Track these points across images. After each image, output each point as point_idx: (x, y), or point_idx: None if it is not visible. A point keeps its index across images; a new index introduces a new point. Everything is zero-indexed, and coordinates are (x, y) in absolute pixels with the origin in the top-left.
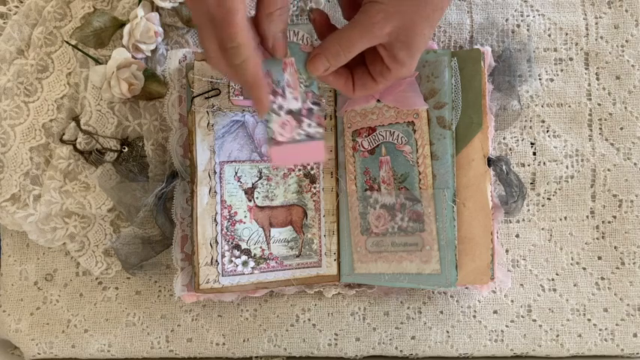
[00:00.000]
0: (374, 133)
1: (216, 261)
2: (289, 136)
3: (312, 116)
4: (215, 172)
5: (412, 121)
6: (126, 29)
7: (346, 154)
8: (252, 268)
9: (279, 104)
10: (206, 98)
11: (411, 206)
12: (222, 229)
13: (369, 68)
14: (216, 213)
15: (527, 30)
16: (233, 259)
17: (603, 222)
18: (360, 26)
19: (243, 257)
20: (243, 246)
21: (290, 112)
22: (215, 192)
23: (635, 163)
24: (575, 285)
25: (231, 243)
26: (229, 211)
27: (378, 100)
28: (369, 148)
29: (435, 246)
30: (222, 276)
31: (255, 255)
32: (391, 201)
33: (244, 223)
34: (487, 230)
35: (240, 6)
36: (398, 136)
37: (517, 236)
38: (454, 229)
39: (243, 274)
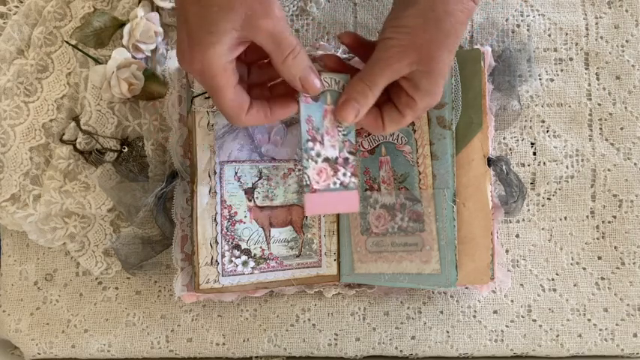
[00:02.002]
0: (374, 133)
1: (216, 261)
2: (325, 184)
3: (347, 165)
4: (215, 172)
5: (412, 121)
6: (126, 29)
7: None
8: (252, 268)
9: (317, 151)
10: (206, 98)
11: (411, 206)
12: (222, 229)
13: (395, 102)
14: (216, 213)
15: (527, 30)
16: (233, 259)
17: (603, 222)
18: (379, 62)
19: (243, 257)
20: (243, 246)
21: (327, 159)
22: (215, 192)
23: (635, 163)
24: (575, 285)
25: (231, 243)
26: (229, 211)
27: None
28: (369, 148)
29: (435, 246)
30: (222, 276)
31: (255, 255)
32: (391, 201)
33: (244, 223)
34: (487, 230)
35: (223, 81)
36: (398, 136)
37: (517, 236)
38: (454, 229)
39: (243, 274)
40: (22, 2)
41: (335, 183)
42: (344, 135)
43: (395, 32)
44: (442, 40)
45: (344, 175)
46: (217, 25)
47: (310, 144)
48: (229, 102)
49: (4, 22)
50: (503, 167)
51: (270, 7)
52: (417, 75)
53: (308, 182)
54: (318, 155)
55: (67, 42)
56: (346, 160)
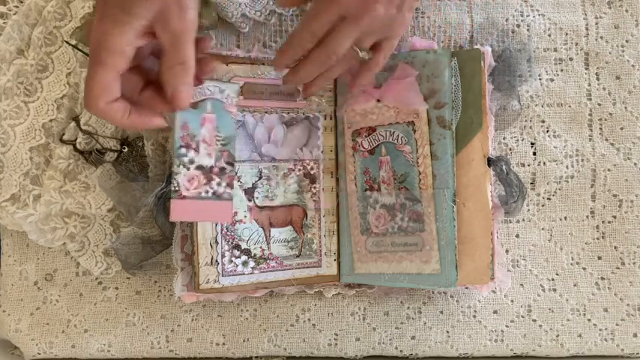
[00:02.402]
0: (374, 133)
1: (216, 261)
2: (195, 192)
3: (223, 175)
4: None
5: (412, 121)
6: None
7: (346, 154)
8: (252, 268)
9: (190, 158)
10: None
11: (410, 206)
12: (222, 229)
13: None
14: None
15: (527, 30)
16: (233, 259)
17: (603, 222)
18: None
19: (243, 257)
20: (243, 246)
21: (200, 167)
22: None
23: (635, 163)
24: (575, 285)
25: (231, 243)
26: None
27: (378, 100)
28: (369, 148)
29: (435, 246)
30: (222, 276)
31: (255, 255)
32: (391, 201)
33: (244, 223)
34: (487, 230)
35: (111, 60)
36: (398, 136)
37: (517, 236)
38: (454, 229)
39: (243, 274)
40: (22, 2)
41: (207, 192)
42: (222, 145)
43: None
44: None
45: (218, 184)
46: (134, 8)
47: (183, 150)
48: (99, 81)
49: (4, 22)
50: (503, 167)
51: (184, 12)
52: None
53: (177, 188)
54: (191, 162)
55: (67, 42)
56: (222, 169)
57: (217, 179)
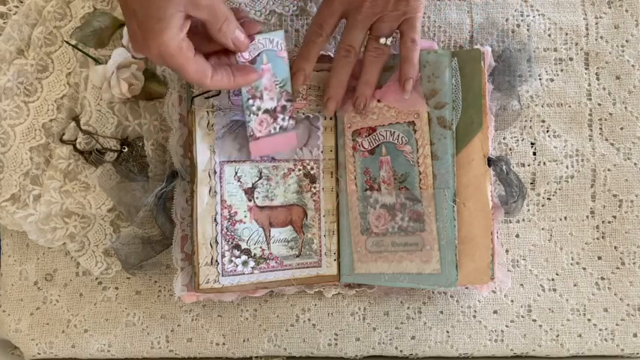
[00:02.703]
0: (374, 133)
1: (216, 261)
2: (266, 131)
3: (285, 112)
4: (215, 172)
5: (413, 121)
6: (126, 29)
7: (346, 153)
8: (252, 268)
9: (257, 106)
10: (206, 98)
11: (411, 206)
12: (222, 229)
13: None
14: (216, 213)
15: (527, 30)
16: (233, 259)
17: (603, 222)
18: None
19: (243, 257)
20: (243, 246)
21: (266, 111)
22: (215, 192)
23: (635, 163)
24: (575, 285)
25: (231, 243)
26: (229, 211)
27: (379, 101)
28: (370, 148)
29: (436, 246)
30: (222, 276)
31: (255, 255)
32: (391, 201)
33: (244, 223)
34: (487, 230)
35: (182, 57)
36: (398, 136)
37: (517, 236)
38: (454, 229)
39: (243, 274)
40: (22, 2)
41: (275, 128)
42: (280, 87)
43: None
44: None
45: (282, 119)
46: (164, 12)
47: (250, 101)
48: (193, 73)
49: (4, 22)
50: (503, 167)
51: None
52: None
53: (252, 133)
54: (259, 109)
55: (67, 42)
56: (284, 107)
57: (281, 115)
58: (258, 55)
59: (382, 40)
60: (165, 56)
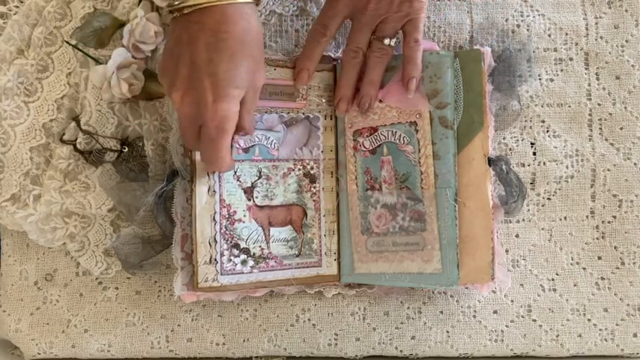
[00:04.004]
0: (375, 133)
1: (215, 260)
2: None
3: (406, 210)
4: (214, 171)
5: (414, 121)
6: (126, 29)
7: (347, 153)
8: (252, 267)
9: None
10: None
11: (412, 206)
12: (220, 228)
13: None
14: (215, 212)
15: (527, 30)
16: (232, 257)
17: (603, 222)
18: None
19: (242, 256)
20: (242, 245)
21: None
22: (214, 191)
23: (635, 163)
24: (575, 285)
25: (230, 242)
26: (228, 210)
27: (380, 101)
28: (371, 147)
29: (437, 245)
30: (221, 275)
31: (254, 254)
32: (392, 200)
33: (243, 222)
34: (487, 229)
35: (231, 127)
36: (400, 136)
37: (517, 236)
38: (455, 229)
39: (242, 273)
40: (22, 2)
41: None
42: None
43: None
44: None
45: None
46: (242, 81)
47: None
48: (227, 143)
49: (4, 22)
50: (503, 167)
51: (264, 70)
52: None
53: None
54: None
55: (67, 42)
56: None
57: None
58: (252, 146)
59: (386, 41)
60: (226, 119)
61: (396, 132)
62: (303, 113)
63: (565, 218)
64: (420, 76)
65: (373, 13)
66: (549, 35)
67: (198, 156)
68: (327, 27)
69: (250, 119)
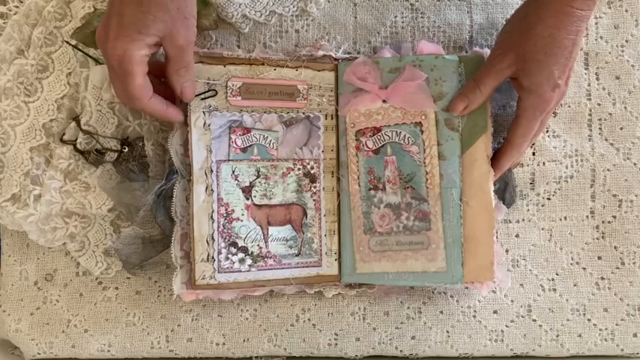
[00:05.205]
0: (379, 133)
1: (213, 257)
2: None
3: (410, 210)
4: (212, 171)
5: (420, 122)
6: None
7: (349, 153)
8: (250, 265)
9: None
10: (202, 99)
11: (417, 205)
12: (218, 227)
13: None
14: (213, 210)
15: None
16: (230, 256)
17: (603, 222)
18: (486, 65)
19: (240, 254)
20: (240, 243)
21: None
22: (212, 190)
23: (634, 163)
24: (575, 285)
25: (228, 240)
26: (226, 209)
27: (384, 101)
28: (374, 147)
29: (441, 244)
30: (219, 272)
31: (252, 253)
32: (396, 200)
33: (241, 220)
34: (490, 228)
35: (137, 69)
36: (405, 136)
37: (517, 236)
38: (460, 227)
39: (240, 271)
40: (22, 2)
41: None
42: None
43: (499, 38)
44: (535, 42)
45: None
46: (147, 28)
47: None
48: (137, 86)
49: (4, 22)
50: None
51: (188, 29)
52: (520, 74)
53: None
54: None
55: (67, 42)
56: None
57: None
58: (250, 146)
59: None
60: (125, 60)
61: (400, 132)
62: (304, 113)
63: (565, 218)
64: (424, 76)
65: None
66: None
67: (195, 155)
68: (485, 88)
69: (180, 80)
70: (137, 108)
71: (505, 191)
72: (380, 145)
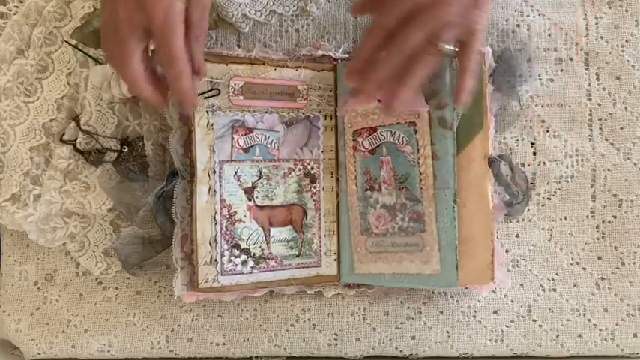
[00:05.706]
0: (375, 134)
1: (215, 260)
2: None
3: (405, 211)
4: (214, 172)
5: (413, 122)
6: None
7: (347, 154)
8: (252, 267)
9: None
10: (205, 98)
11: (411, 206)
12: (221, 229)
13: None
14: (216, 212)
15: (527, 30)
16: (232, 258)
17: (603, 222)
18: None
19: (243, 256)
20: (243, 245)
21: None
22: (214, 191)
23: (635, 163)
24: (575, 285)
25: (231, 242)
26: (229, 211)
27: (379, 101)
28: (370, 148)
29: (436, 246)
30: (222, 275)
31: (254, 254)
32: (392, 201)
33: (244, 222)
34: (487, 230)
35: (181, 24)
36: (399, 136)
37: (517, 236)
38: (454, 230)
39: (243, 273)
40: (22, 2)
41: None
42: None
43: None
44: None
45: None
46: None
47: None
48: (181, 43)
49: (4, 22)
50: (501, 169)
51: None
52: None
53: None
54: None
55: (67, 42)
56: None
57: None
58: (252, 146)
59: (440, 46)
60: (169, 13)
61: (394, 132)
62: (304, 113)
63: (565, 218)
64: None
65: (438, 21)
66: (549, 35)
67: (198, 155)
68: (387, 28)
69: (200, 50)
70: (176, 71)
71: (519, 203)
72: (376, 145)
